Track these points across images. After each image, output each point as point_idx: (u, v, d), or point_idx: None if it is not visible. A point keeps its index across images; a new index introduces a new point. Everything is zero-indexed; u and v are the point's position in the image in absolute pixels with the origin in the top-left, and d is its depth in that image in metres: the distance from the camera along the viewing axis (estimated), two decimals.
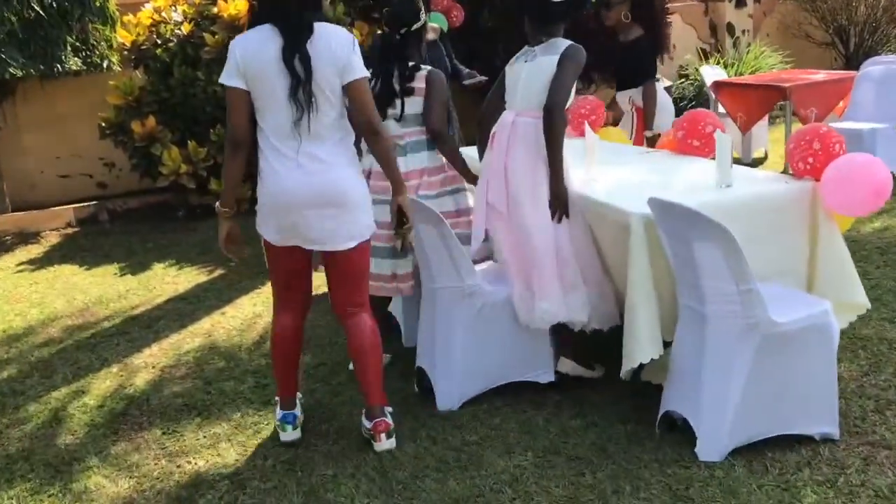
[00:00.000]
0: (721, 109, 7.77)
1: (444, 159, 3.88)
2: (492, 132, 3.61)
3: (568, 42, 3.52)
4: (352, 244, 3.15)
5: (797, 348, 2.95)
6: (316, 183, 3.05)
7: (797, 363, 2.96)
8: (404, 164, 3.72)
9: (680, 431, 3.17)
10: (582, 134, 5.06)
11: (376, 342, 3.28)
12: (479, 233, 3.63)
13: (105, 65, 7.73)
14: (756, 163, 8.05)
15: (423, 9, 3.83)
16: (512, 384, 3.63)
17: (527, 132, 3.49)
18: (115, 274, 6.08)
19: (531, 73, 3.52)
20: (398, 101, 3.75)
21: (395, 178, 3.22)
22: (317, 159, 3.05)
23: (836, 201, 3.35)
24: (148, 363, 4.40)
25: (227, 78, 3.04)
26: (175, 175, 7.24)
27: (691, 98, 10.57)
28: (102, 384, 4.17)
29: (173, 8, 7.52)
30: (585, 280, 3.50)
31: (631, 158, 4.30)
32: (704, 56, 11.04)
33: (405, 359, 4.13)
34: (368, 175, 3.67)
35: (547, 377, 3.61)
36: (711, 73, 8.54)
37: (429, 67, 3.79)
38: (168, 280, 5.84)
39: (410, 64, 3.76)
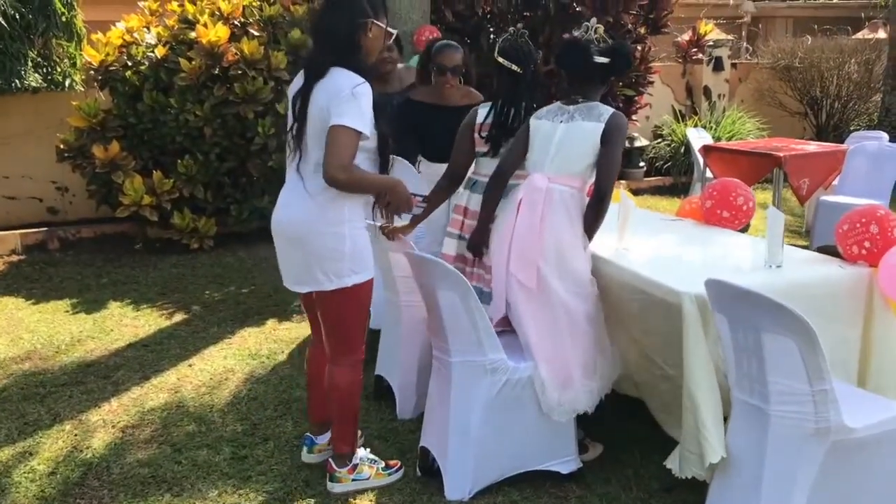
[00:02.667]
0: (709, 174, 7.59)
1: None
2: (518, 196, 3.27)
3: (611, 109, 3.24)
4: (305, 289, 3.11)
5: (869, 457, 2.63)
6: (284, 216, 3.07)
7: (868, 473, 2.65)
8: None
9: None
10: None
11: (343, 399, 3.19)
12: (501, 305, 3.28)
13: (67, 83, 7.26)
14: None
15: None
16: (527, 475, 3.23)
17: (564, 201, 3.20)
18: (67, 311, 5.55)
19: (569, 136, 3.23)
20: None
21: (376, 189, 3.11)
22: (298, 195, 3.01)
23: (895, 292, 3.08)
24: (107, 421, 3.90)
25: None
26: (136, 206, 6.75)
27: (667, 159, 10.46)
28: (54, 445, 3.66)
29: (147, 29, 7.09)
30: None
31: (657, 227, 3.99)
32: (681, 118, 10.96)
33: (400, 433, 3.72)
34: (464, 212, 3.57)
35: (569, 467, 3.23)
36: (698, 137, 8.37)
37: None
38: (126, 322, 5.32)
39: (535, 105, 3.48)
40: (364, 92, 2.89)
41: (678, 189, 10.02)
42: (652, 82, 9.20)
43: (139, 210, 6.77)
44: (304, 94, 2.94)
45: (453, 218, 3.59)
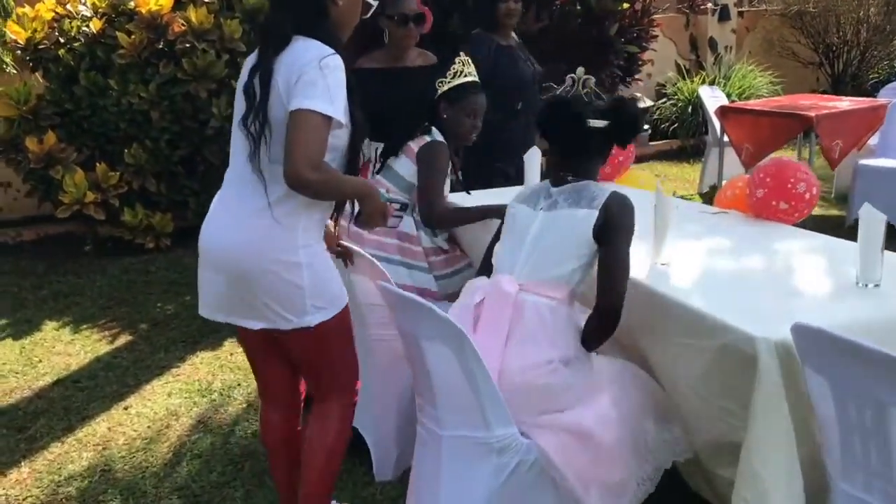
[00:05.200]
0: (726, 139, 6.75)
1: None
2: (474, 299, 2.42)
3: (607, 189, 2.40)
4: (255, 325, 2.32)
5: None
6: (219, 240, 2.32)
7: None
8: None
9: None
10: (609, 177, 3.94)
11: (324, 457, 2.46)
12: None
13: None
14: None
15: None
16: None
17: (541, 318, 2.32)
18: None
19: (549, 227, 2.39)
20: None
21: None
22: (241, 209, 2.29)
23: None
24: (10, 498, 3.09)
25: None
26: (79, 204, 5.88)
27: (672, 120, 9.59)
28: None
29: (81, 0, 6.16)
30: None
31: (698, 225, 3.13)
32: (686, 73, 10.06)
33: (377, 502, 2.94)
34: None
35: None
36: (712, 96, 7.49)
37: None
38: (59, 349, 4.50)
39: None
40: (334, 65, 2.19)
41: (687, 153, 9.19)
42: (656, 36, 8.30)
43: (83, 209, 5.92)
44: (264, 72, 2.22)
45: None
